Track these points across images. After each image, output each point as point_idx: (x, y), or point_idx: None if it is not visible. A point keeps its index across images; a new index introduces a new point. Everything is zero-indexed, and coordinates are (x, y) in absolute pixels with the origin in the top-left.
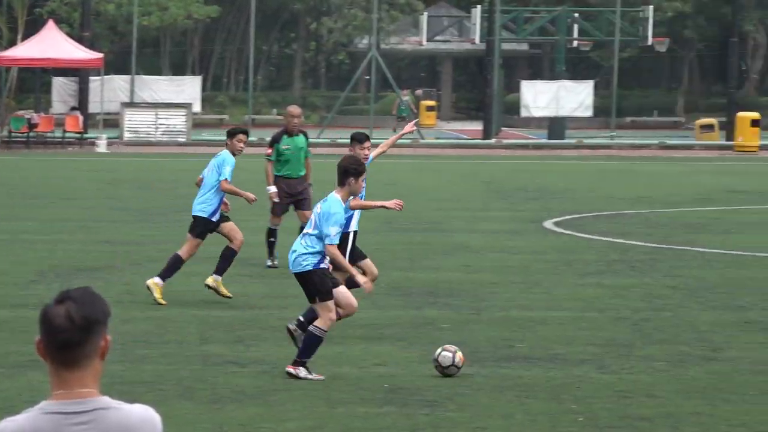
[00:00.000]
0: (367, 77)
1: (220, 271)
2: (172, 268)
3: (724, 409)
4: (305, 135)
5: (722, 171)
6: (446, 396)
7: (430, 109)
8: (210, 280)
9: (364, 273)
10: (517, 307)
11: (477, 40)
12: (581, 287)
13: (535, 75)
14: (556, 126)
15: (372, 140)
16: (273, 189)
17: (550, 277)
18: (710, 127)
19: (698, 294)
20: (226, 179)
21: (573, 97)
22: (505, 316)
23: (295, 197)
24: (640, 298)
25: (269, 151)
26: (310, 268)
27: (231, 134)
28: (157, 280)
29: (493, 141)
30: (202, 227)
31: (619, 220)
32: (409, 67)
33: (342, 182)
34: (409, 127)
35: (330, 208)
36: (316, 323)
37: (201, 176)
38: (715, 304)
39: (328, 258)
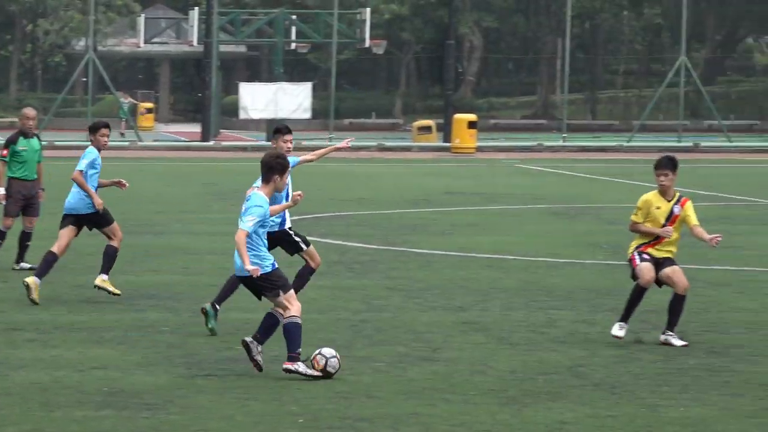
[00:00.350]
0: (84, 79)
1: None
2: (110, 261)
3: (443, 409)
4: (39, 138)
5: (440, 172)
6: (167, 399)
7: (148, 111)
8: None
9: (307, 262)
10: (236, 309)
11: (195, 42)
12: None
13: (254, 77)
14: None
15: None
16: (2, 191)
17: None
18: (428, 128)
19: (417, 295)
20: (80, 170)
21: (291, 99)
22: (224, 318)
23: (28, 201)
24: (360, 299)
25: (5, 152)
26: (269, 270)
27: (93, 129)
28: (103, 276)
29: (211, 143)
30: (105, 214)
31: (338, 222)
32: (126, 69)
33: (267, 179)
34: (345, 143)
35: (254, 201)
36: (289, 315)
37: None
38: (434, 305)
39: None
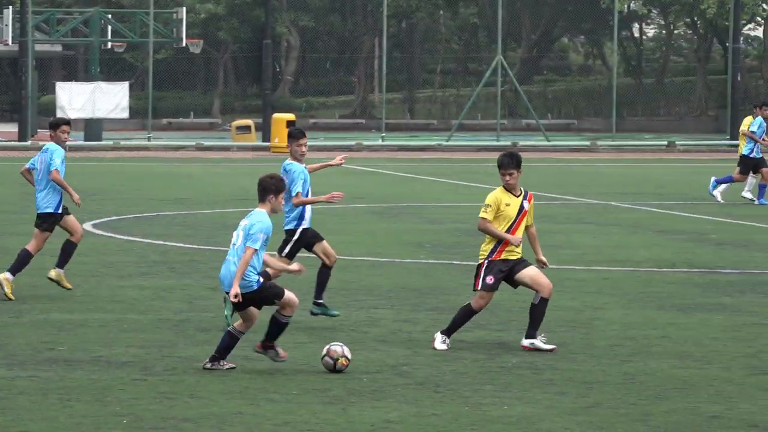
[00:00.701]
0: None
1: (61, 263)
2: (22, 263)
3: (267, 409)
4: None
5: (259, 172)
6: None
7: None
8: (53, 273)
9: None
10: (57, 309)
11: (9, 41)
12: (122, 289)
13: (70, 76)
14: (92, 127)
15: None
16: None
17: (90, 279)
18: (246, 128)
19: None
20: (56, 169)
21: (109, 99)
22: (45, 318)
23: None
24: (181, 299)
25: None
26: (254, 287)
27: (54, 126)
28: (7, 275)
29: (29, 143)
30: (50, 222)
31: (158, 222)
32: None
33: (262, 199)
34: (338, 160)
35: (257, 218)
36: (283, 312)
37: (27, 166)
38: None
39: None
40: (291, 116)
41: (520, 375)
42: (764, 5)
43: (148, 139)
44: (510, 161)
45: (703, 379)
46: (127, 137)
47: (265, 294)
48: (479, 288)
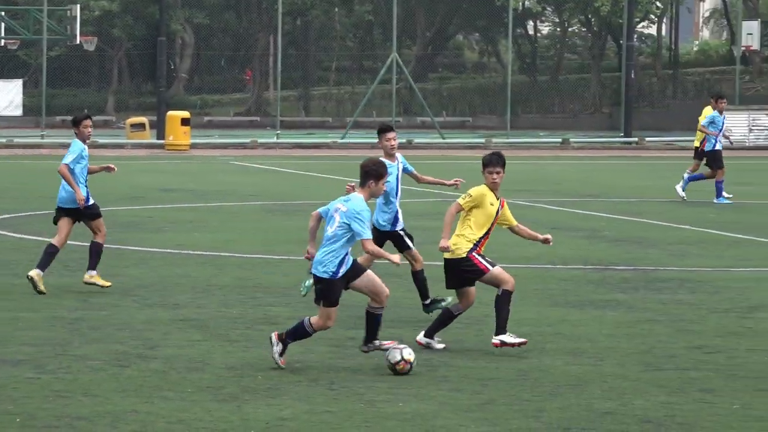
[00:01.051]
0: None
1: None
2: (96, 253)
3: (161, 407)
4: None
5: (154, 169)
6: None
7: None
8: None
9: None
10: None
11: None
12: (15, 287)
13: None
14: None
15: None
16: None
17: None
18: (141, 125)
19: (134, 292)
20: (65, 165)
21: (2, 96)
22: None
23: None
24: (75, 297)
25: None
26: (327, 276)
27: (76, 122)
28: (91, 272)
29: None
30: (94, 209)
31: (52, 220)
32: None
33: (363, 184)
34: (453, 181)
35: (356, 206)
36: (312, 319)
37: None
38: (150, 302)
39: (345, 265)
40: (186, 114)
41: (415, 372)
42: (657, 3)
43: (42, 137)
44: (498, 159)
45: (597, 376)
46: (21, 135)
47: (328, 291)
48: (490, 268)
